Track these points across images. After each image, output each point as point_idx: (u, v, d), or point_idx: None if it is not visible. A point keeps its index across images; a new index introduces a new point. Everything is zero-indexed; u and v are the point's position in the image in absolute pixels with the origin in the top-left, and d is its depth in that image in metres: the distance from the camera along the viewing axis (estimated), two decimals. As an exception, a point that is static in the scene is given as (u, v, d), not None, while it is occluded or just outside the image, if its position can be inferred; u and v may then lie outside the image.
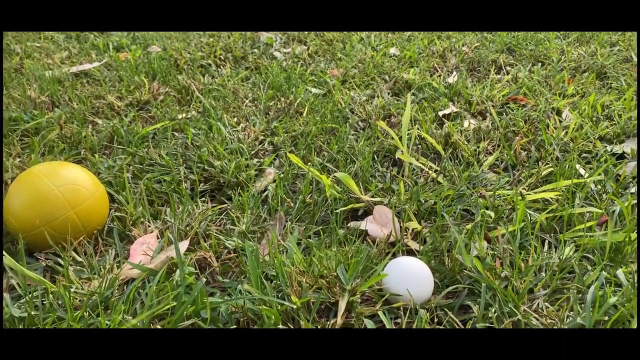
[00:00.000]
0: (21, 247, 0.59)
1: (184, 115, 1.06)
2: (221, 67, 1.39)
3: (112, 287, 0.57)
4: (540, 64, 1.43)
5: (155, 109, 1.08)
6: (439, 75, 1.34)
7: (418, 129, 1.00)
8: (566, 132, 0.99)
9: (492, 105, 1.13)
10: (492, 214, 0.69)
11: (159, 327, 0.52)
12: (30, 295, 0.56)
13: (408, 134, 0.96)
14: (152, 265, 0.60)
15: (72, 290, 0.57)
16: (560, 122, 1.04)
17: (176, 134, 0.98)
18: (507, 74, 1.36)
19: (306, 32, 1.74)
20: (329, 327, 0.54)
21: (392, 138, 0.95)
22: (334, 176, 0.78)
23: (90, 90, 1.18)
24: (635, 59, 1.44)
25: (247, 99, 1.14)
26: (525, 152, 0.94)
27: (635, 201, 0.74)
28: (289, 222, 0.74)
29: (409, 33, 1.73)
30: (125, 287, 0.59)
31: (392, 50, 1.53)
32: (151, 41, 1.57)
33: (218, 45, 1.53)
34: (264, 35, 1.68)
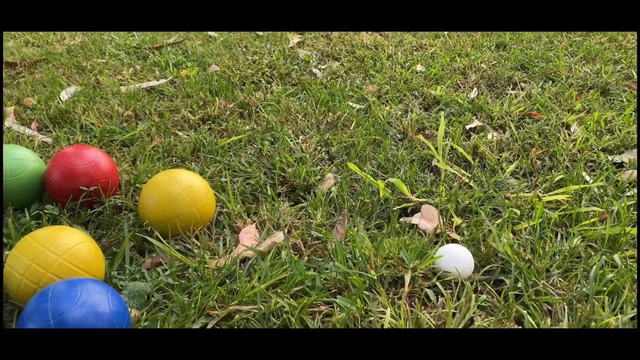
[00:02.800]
0: (169, 233, 0.79)
1: (248, 127, 1.26)
2: (270, 83, 1.58)
3: (235, 263, 0.77)
4: (551, 81, 1.61)
5: (225, 123, 1.27)
6: (462, 92, 1.53)
7: (450, 140, 1.19)
8: (574, 145, 1.17)
9: (511, 120, 1.31)
10: (518, 212, 0.88)
11: (278, 290, 0.71)
12: (174, 269, 0.76)
13: (442, 146, 1.15)
14: (261, 247, 0.80)
15: (205, 266, 0.77)
16: (569, 135, 1.23)
17: (245, 144, 1.18)
18: (522, 89, 1.55)
19: (339, 49, 1.93)
20: (400, 294, 0.73)
21: (429, 149, 1.14)
22: (388, 181, 0.97)
23: (165, 105, 1.37)
24: (635, 76, 1.62)
25: (299, 114, 1.34)
26: (540, 161, 1.12)
27: (631, 202, 0.93)
28: (353, 217, 0.93)
29: (432, 50, 1.92)
30: (242, 264, 0.79)
31: (419, 68, 1.72)
32: (204, 58, 1.77)
33: (263, 63, 1.73)
34: (302, 53, 1.87)
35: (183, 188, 0.84)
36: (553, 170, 1.08)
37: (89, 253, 0.71)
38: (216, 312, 0.69)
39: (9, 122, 1.26)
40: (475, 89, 1.57)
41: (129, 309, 0.69)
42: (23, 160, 0.91)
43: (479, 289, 0.75)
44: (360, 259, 0.77)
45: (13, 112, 1.30)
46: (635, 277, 0.74)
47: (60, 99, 1.40)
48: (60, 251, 0.68)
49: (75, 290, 0.59)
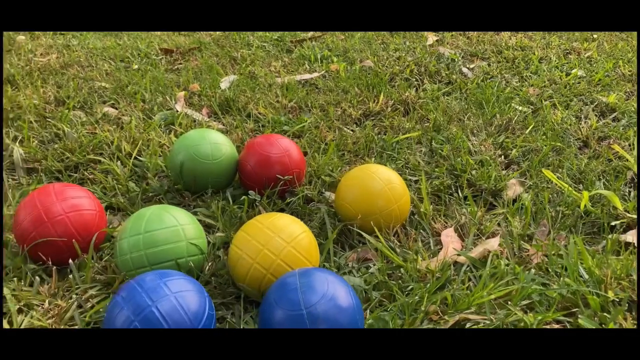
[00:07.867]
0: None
1: (408, 125, 1.22)
2: (421, 81, 1.53)
3: (448, 268, 0.73)
4: None
5: (389, 120, 1.24)
6: (635, 101, 1.39)
7: (643, 153, 1.08)
8: None
9: None
10: None
11: (508, 302, 0.66)
12: (383, 266, 0.73)
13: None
14: (473, 254, 0.75)
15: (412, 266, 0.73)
16: None
17: (414, 142, 1.14)
18: None
19: (482, 49, 1.84)
20: (643, 320, 0.66)
21: (622, 160, 1.04)
22: (597, 192, 0.89)
23: (323, 99, 1.37)
24: None
25: (463, 114, 1.28)
26: None
27: None
28: (554, 230, 0.86)
29: (587, 54, 1.78)
30: (453, 269, 0.75)
31: (579, 72, 1.59)
32: (348, 53, 1.76)
33: (408, 60, 1.69)
34: (446, 51, 1.81)
35: (385, 184, 0.81)
36: None
37: (309, 243, 0.70)
38: (440, 317, 0.65)
39: (180, 106, 1.31)
40: (648, 97, 1.42)
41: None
42: (220, 144, 0.92)
43: None
44: (589, 277, 0.71)
45: (183, 97, 1.35)
46: None
47: (220, 87, 1.44)
48: (289, 239, 0.67)
49: (323, 283, 0.58)
